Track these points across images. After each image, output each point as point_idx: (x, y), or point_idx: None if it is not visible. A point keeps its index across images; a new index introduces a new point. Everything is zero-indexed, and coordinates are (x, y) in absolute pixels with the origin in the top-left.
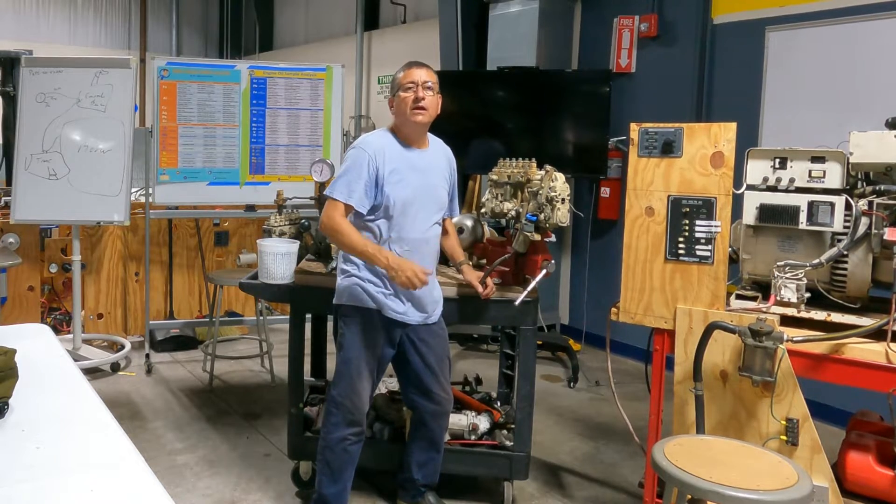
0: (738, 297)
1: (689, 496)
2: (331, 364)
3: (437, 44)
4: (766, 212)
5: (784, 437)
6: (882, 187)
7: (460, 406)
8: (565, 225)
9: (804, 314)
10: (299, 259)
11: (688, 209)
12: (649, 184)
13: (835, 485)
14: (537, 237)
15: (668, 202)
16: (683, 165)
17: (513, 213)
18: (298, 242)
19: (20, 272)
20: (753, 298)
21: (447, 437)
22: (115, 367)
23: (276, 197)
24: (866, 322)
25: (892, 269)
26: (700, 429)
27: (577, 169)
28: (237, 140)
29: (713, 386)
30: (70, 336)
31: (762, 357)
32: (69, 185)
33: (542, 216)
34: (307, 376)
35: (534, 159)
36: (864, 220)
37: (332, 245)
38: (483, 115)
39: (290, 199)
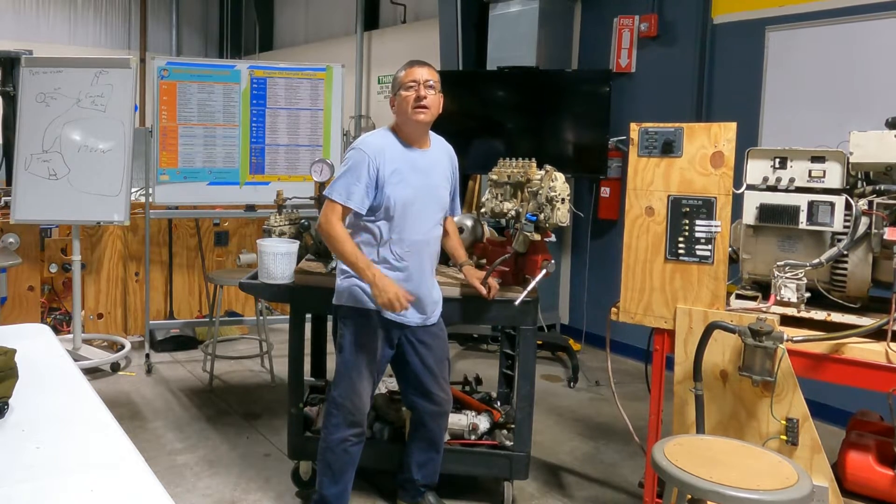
0: (738, 297)
1: (689, 496)
2: (331, 364)
3: (437, 44)
4: (766, 212)
5: (784, 437)
6: (882, 187)
7: (460, 406)
8: (565, 225)
9: (804, 314)
10: (299, 259)
11: (688, 209)
12: (649, 184)
13: (835, 485)
14: (537, 237)
15: (668, 202)
16: (683, 165)
17: (513, 212)
18: (298, 242)
19: (20, 272)
20: (753, 298)
21: (447, 437)
22: (115, 367)
23: (276, 197)
24: (866, 322)
25: (892, 268)
26: (700, 429)
27: (577, 169)
28: (237, 140)
29: (713, 386)
30: (70, 336)
31: (762, 357)
32: (69, 185)
33: (542, 216)
34: (307, 376)
35: (534, 159)
36: (864, 220)
37: None
38: (483, 115)
39: (290, 199)
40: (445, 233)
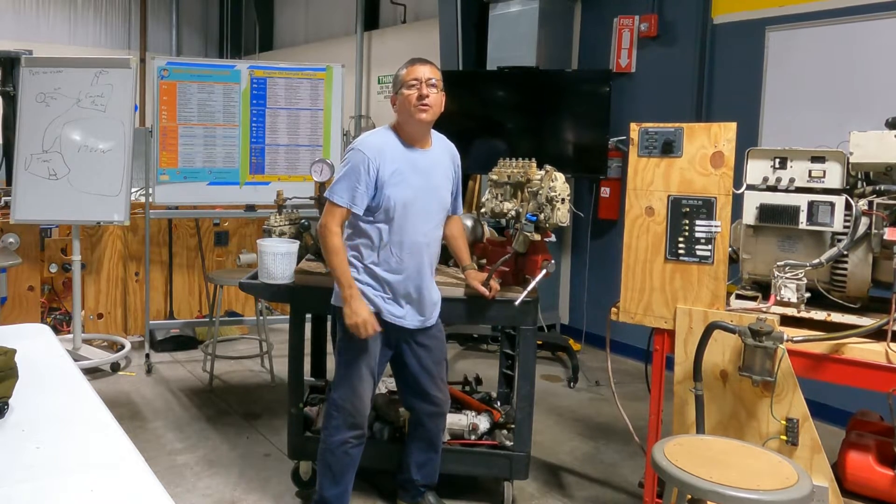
0: (738, 297)
1: (689, 496)
2: (331, 364)
3: (437, 44)
4: (766, 212)
5: (784, 437)
6: (882, 187)
7: (460, 406)
8: (565, 225)
9: (804, 314)
10: (299, 259)
11: (688, 209)
12: (649, 184)
13: (835, 485)
14: (537, 237)
15: (668, 202)
16: (683, 165)
17: (513, 213)
18: (298, 242)
19: (20, 272)
20: (753, 298)
21: (447, 437)
22: (115, 367)
23: (276, 197)
24: (866, 322)
25: (892, 269)
26: (700, 429)
27: (577, 169)
28: (237, 140)
29: (713, 386)
30: (70, 336)
31: (762, 357)
32: (69, 185)
33: (542, 216)
34: (307, 376)
35: (534, 159)
36: (864, 220)
37: None
38: (483, 115)
39: (290, 199)
40: (452, 234)
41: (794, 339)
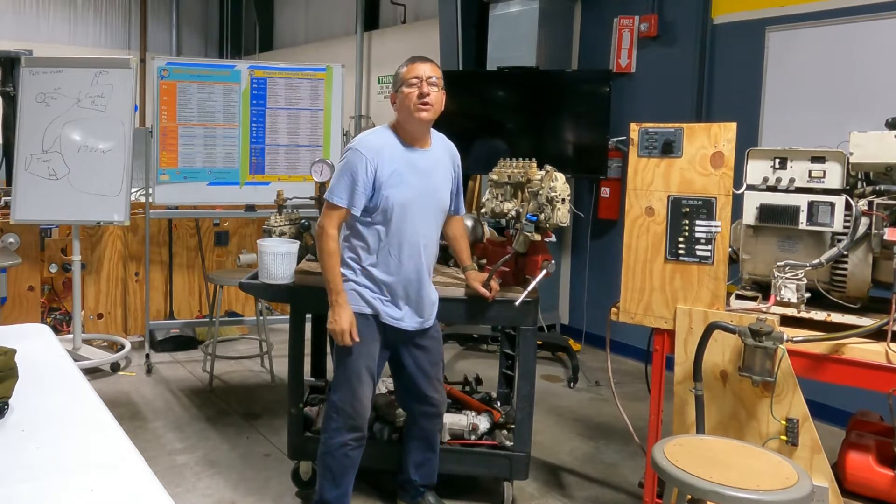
0: (738, 297)
1: (689, 496)
2: (331, 364)
3: (437, 44)
4: (766, 212)
5: (784, 437)
6: (882, 187)
7: (460, 406)
8: (565, 225)
9: (804, 314)
10: (299, 259)
11: (688, 209)
12: (649, 184)
13: (835, 485)
14: (537, 237)
15: (668, 202)
16: (683, 165)
17: (513, 213)
18: (298, 242)
19: (20, 272)
20: (753, 298)
21: (447, 437)
22: (115, 367)
23: (276, 197)
24: (866, 322)
25: (892, 269)
26: (700, 429)
27: (577, 169)
28: (237, 140)
29: (713, 386)
30: (70, 336)
31: (762, 357)
32: (69, 185)
33: (542, 216)
34: (307, 376)
35: (534, 159)
36: (864, 220)
37: None
38: (483, 115)
39: (290, 199)
40: (453, 234)
41: (794, 339)
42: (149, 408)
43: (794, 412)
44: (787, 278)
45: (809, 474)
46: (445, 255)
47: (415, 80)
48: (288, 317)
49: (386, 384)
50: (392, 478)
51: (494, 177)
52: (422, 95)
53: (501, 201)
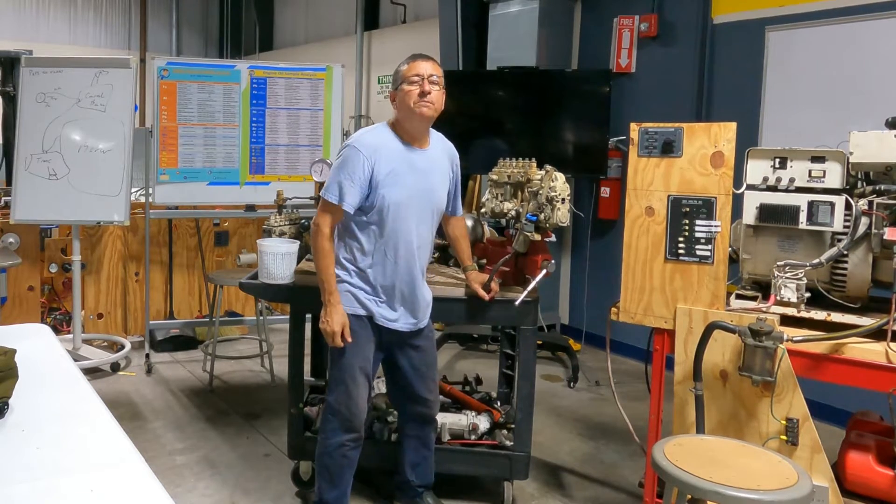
0: (738, 297)
1: (689, 496)
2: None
3: (437, 44)
4: (766, 212)
5: (784, 437)
6: (882, 187)
7: (460, 406)
8: (565, 225)
9: (804, 314)
10: (299, 259)
11: (688, 209)
12: (649, 184)
13: (835, 485)
14: (537, 237)
15: (668, 202)
16: (683, 165)
17: (513, 213)
18: (298, 242)
19: (20, 272)
20: (753, 298)
21: (447, 437)
22: (115, 367)
23: (276, 197)
24: (866, 322)
25: (892, 269)
26: (700, 429)
27: (577, 169)
28: (237, 140)
29: (713, 386)
30: (70, 336)
31: (762, 357)
32: (69, 185)
33: (542, 216)
34: (307, 376)
35: (534, 159)
36: (864, 220)
37: None
38: (483, 115)
39: (290, 199)
40: (454, 235)
41: (794, 339)
42: (149, 408)
43: (794, 412)
44: (787, 278)
45: (809, 474)
46: (445, 256)
47: (416, 78)
48: (288, 317)
49: (386, 384)
50: (390, 478)
51: (494, 177)
52: (423, 94)
53: (501, 201)
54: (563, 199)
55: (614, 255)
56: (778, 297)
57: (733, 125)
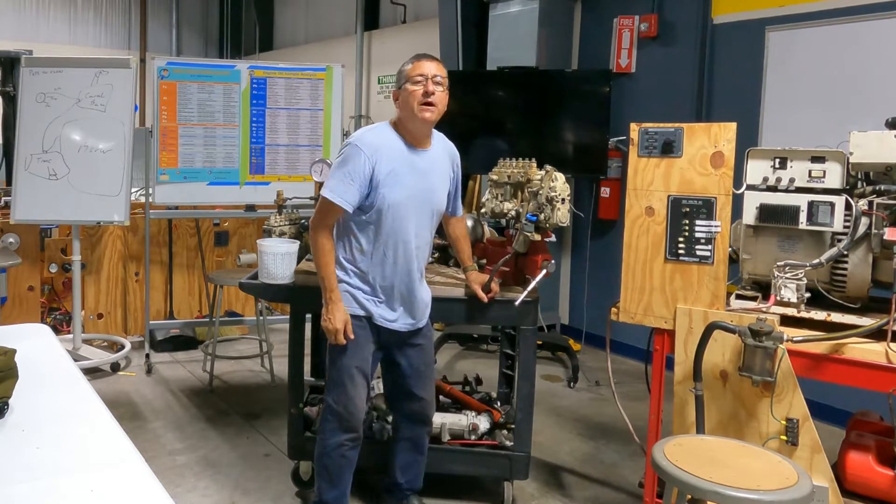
0: (738, 297)
1: (689, 496)
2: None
3: (437, 44)
4: (766, 212)
5: (784, 437)
6: (882, 187)
7: (460, 406)
8: (565, 225)
9: (804, 314)
10: (299, 259)
11: (688, 209)
12: (649, 184)
13: (835, 485)
14: (537, 237)
15: (668, 202)
16: (683, 165)
17: (513, 213)
18: (298, 242)
19: (20, 272)
20: (753, 298)
21: (447, 437)
22: (115, 367)
23: (276, 197)
24: (866, 322)
25: (892, 269)
26: (700, 429)
27: (577, 169)
28: (237, 140)
29: (713, 386)
30: (70, 336)
31: (762, 357)
32: (69, 185)
33: (542, 216)
34: (307, 376)
35: (534, 159)
36: (864, 220)
37: None
38: (483, 115)
39: (290, 199)
40: (455, 235)
41: (794, 339)
42: (149, 408)
43: (794, 412)
44: (787, 278)
45: (809, 474)
46: (445, 256)
47: (420, 78)
48: (288, 317)
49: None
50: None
51: (494, 177)
52: (426, 94)
53: (501, 201)
54: (563, 199)
55: (614, 255)
56: (778, 298)
57: (733, 125)
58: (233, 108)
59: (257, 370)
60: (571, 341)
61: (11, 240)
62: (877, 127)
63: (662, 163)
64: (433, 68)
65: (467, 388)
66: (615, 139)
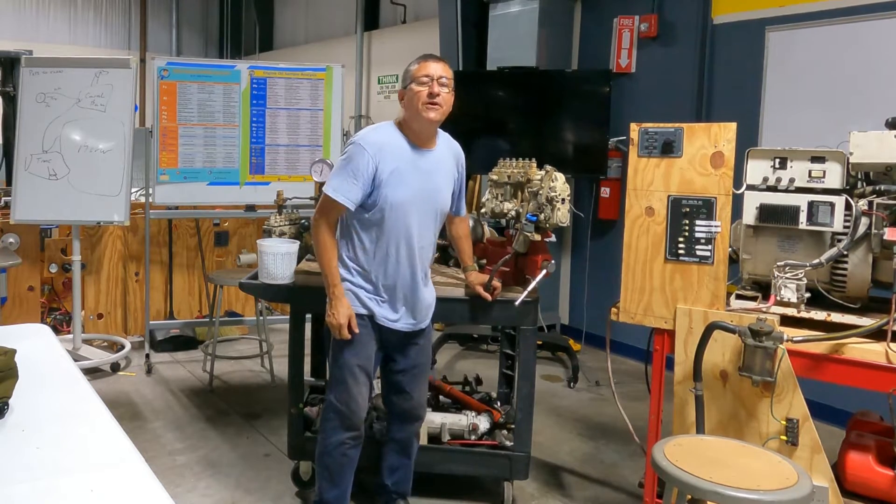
0: (738, 297)
1: (689, 496)
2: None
3: (438, 44)
4: (766, 212)
5: (784, 437)
6: (882, 187)
7: (460, 406)
8: (565, 225)
9: (804, 314)
10: (299, 259)
11: (688, 209)
12: (649, 184)
13: (835, 485)
14: (537, 237)
15: (668, 202)
16: (683, 165)
17: (513, 213)
18: (298, 242)
19: (20, 272)
20: (753, 298)
21: (447, 437)
22: (115, 367)
23: (276, 197)
24: (866, 322)
25: (892, 269)
26: (700, 429)
27: (577, 169)
28: (237, 140)
29: (713, 386)
30: (70, 336)
31: (762, 357)
32: (69, 186)
33: (542, 216)
34: (307, 376)
35: (534, 159)
36: (864, 220)
37: None
38: (483, 115)
39: (290, 199)
40: (457, 234)
41: (794, 339)
42: (149, 408)
43: (794, 412)
44: (787, 278)
45: (809, 474)
46: (445, 256)
47: (425, 79)
48: (288, 317)
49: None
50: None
51: (494, 177)
52: (431, 95)
53: (501, 201)
54: (563, 200)
55: (614, 255)
56: (778, 298)
57: (733, 125)
58: (233, 108)
59: (257, 370)
60: (571, 341)
61: (11, 240)
62: (877, 127)
63: (662, 163)
64: (439, 69)
65: (467, 388)
66: (615, 139)
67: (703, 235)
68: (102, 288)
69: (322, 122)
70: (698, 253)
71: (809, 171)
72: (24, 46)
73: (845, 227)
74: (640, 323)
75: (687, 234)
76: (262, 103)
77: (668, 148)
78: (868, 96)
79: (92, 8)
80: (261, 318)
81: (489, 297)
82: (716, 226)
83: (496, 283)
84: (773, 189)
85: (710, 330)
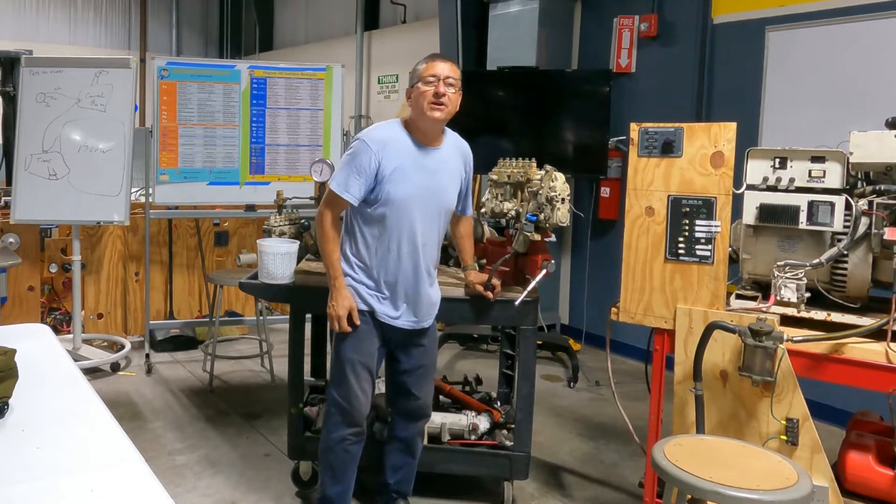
0: (738, 297)
1: (689, 496)
2: (331, 364)
3: (438, 44)
4: (766, 212)
5: (784, 437)
6: (882, 187)
7: (460, 406)
8: (565, 225)
9: (804, 314)
10: (299, 259)
11: (688, 209)
12: (649, 184)
13: (835, 485)
14: (537, 237)
15: (668, 202)
16: (683, 165)
17: (513, 213)
18: (298, 242)
19: (20, 272)
20: (753, 298)
21: (447, 437)
22: (115, 367)
23: (276, 197)
24: (866, 322)
25: (892, 269)
26: (700, 429)
27: (577, 169)
28: (237, 140)
29: (713, 386)
30: (70, 336)
31: (762, 357)
32: (69, 185)
33: (542, 216)
34: (307, 376)
35: (534, 159)
36: (864, 220)
37: None
38: (483, 115)
39: (290, 199)
40: (460, 233)
41: (794, 339)
42: (149, 408)
43: (794, 412)
44: (787, 278)
45: (809, 474)
46: (445, 255)
47: (432, 79)
48: (288, 317)
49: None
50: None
51: (494, 177)
52: (437, 94)
53: (501, 201)
54: (563, 199)
55: (614, 255)
56: (778, 297)
57: (733, 125)
58: (233, 108)
59: (257, 370)
60: (571, 341)
61: (11, 240)
62: (877, 127)
63: (662, 163)
64: (446, 69)
65: (467, 388)
66: (615, 139)
67: (703, 235)
68: (102, 288)
69: (322, 122)
70: (698, 253)
71: (809, 171)
72: (24, 46)
73: (845, 226)
74: (640, 323)
75: (687, 233)
76: (262, 103)
77: (668, 148)
78: (868, 96)
79: (92, 8)
80: (261, 317)
81: (490, 296)
82: (716, 226)
83: (496, 281)
84: (773, 189)
85: (710, 330)
